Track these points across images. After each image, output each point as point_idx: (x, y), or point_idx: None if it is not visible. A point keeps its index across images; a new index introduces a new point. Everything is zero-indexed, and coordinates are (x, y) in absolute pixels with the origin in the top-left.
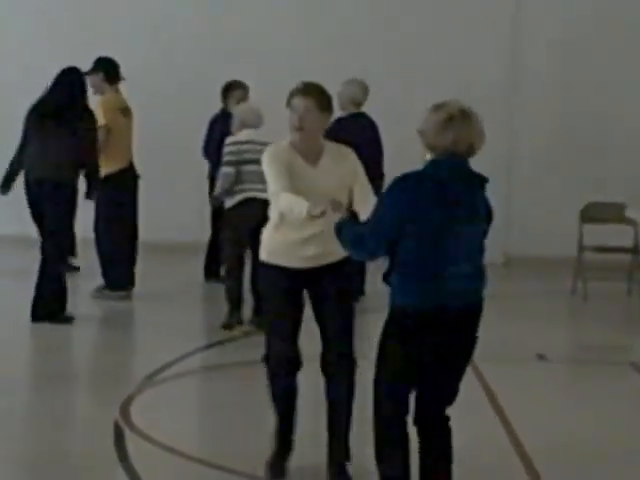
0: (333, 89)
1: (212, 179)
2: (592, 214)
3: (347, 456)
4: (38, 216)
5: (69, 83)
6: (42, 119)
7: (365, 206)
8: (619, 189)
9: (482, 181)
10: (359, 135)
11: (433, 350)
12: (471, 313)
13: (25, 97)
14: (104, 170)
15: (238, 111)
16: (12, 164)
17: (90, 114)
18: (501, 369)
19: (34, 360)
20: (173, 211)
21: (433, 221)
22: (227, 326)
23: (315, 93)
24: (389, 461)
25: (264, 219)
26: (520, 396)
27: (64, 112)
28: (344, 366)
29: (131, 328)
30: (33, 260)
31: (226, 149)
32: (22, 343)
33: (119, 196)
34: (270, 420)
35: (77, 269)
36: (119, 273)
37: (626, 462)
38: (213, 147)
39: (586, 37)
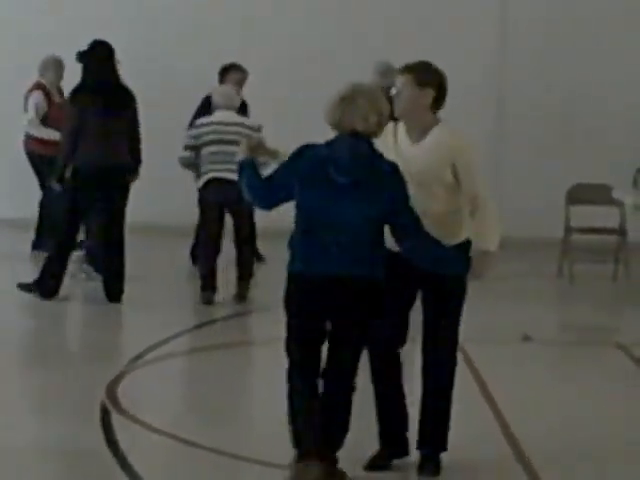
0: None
1: None
2: (579, 195)
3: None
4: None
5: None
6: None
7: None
8: (605, 171)
9: (372, 160)
10: None
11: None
12: (351, 283)
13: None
14: None
15: (211, 93)
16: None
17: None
18: (487, 350)
19: (20, 340)
20: (162, 194)
21: (316, 192)
22: (207, 302)
23: (413, 69)
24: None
25: (231, 199)
26: (506, 377)
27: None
28: None
29: (118, 309)
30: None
31: (187, 132)
32: (9, 322)
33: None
34: (254, 401)
35: None
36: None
37: (613, 442)
38: None
39: (572, 19)
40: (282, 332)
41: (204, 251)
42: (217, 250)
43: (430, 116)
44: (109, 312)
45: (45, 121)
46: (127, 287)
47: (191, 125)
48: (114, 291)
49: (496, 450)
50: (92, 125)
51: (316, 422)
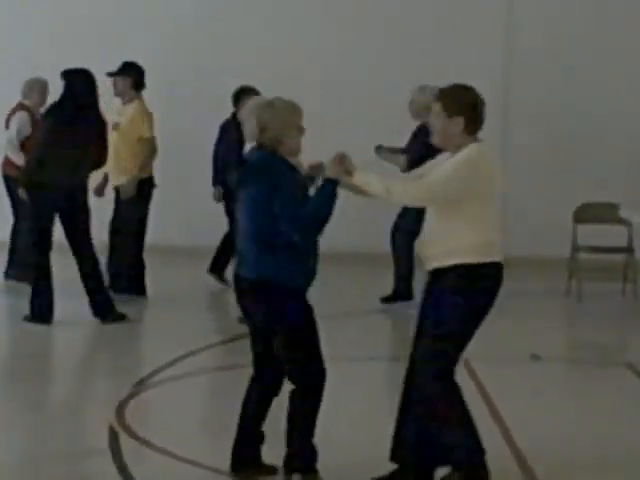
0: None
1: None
2: (586, 214)
3: None
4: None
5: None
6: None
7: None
8: (612, 190)
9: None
10: None
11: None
12: (249, 286)
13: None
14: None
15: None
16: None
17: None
18: (495, 369)
19: (28, 360)
20: (187, 215)
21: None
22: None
23: (442, 97)
24: None
25: None
26: (514, 396)
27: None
28: None
29: (131, 330)
30: None
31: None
32: (17, 342)
33: (144, 204)
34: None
35: None
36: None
37: (622, 461)
38: (223, 153)
39: (583, 37)
40: None
41: None
42: None
43: (466, 140)
44: (123, 332)
45: (27, 144)
46: (144, 307)
47: (217, 152)
48: (101, 309)
49: (505, 469)
50: (61, 145)
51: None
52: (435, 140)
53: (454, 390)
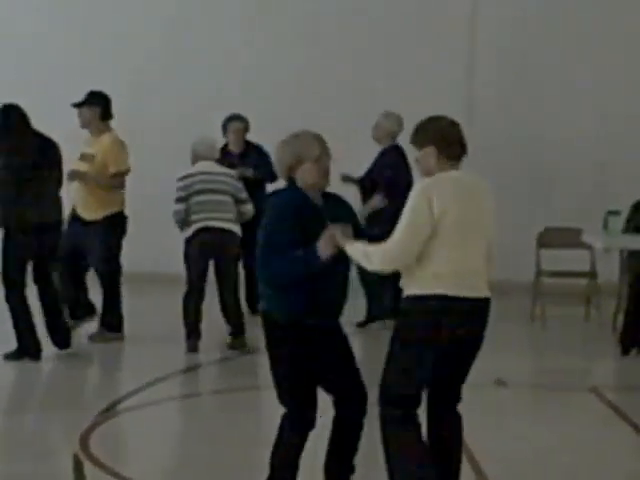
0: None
1: None
2: (549, 239)
3: None
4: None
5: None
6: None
7: None
8: (575, 214)
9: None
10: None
11: None
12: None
13: None
14: (106, 211)
15: (193, 144)
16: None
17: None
18: None
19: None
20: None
21: None
22: (193, 349)
23: (413, 133)
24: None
25: (223, 247)
26: (479, 422)
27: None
28: None
29: (98, 360)
30: None
31: (176, 185)
32: None
33: (119, 237)
34: (230, 450)
35: None
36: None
37: None
38: None
39: (538, 67)
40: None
41: (188, 300)
42: (201, 297)
43: (446, 168)
44: (90, 360)
45: None
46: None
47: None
48: (59, 339)
49: None
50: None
51: None
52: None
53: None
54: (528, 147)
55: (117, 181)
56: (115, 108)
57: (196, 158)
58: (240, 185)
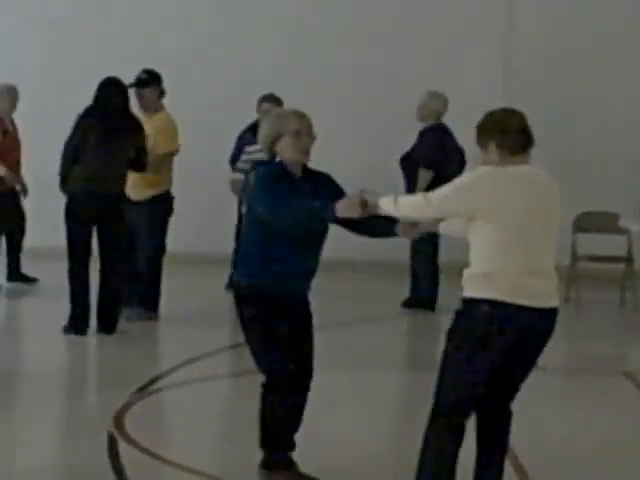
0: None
1: None
2: (585, 224)
3: None
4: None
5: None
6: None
7: None
8: (612, 199)
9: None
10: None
11: None
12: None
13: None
14: (152, 192)
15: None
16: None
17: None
18: None
19: (28, 370)
20: (198, 223)
21: None
22: None
23: (477, 131)
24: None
25: None
26: (514, 406)
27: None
28: None
29: (137, 339)
30: None
31: (241, 157)
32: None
33: (165, 217)
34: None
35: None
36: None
37: (619, 470)
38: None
39: (585, 50)
40: None
41: None
42: None
43: (512, 162)
44: (125, 340)
45: None
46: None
47: (235, 161)
48: (105, 322)
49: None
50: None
51: None
52: None
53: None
54: (564, 131)
55: (166, 161)
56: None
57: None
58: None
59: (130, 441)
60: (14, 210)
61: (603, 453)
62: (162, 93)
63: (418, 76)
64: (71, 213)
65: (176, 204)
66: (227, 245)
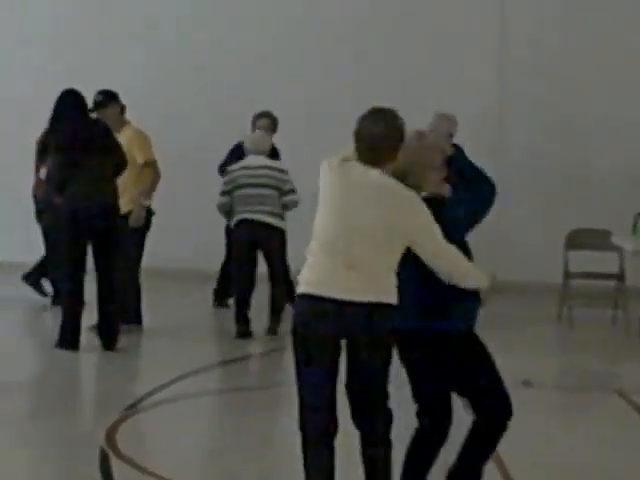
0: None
1: None
2: (578, 241)
3: None
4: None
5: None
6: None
7: None
8: (604, 216)
9: None
10: None
11: None
12: None
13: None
14: (130, 206)
15: (243, 140)
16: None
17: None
18: None
19: (23, 387)
20: (185, 238)
21: None
22: (242, 334)
23: None
24: None
25: (257, 239)
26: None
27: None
28: None
29: (126, 355)
30: None
31: (223, 179)
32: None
33: (143, 233)
34: (256, 446)
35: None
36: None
37: None
38: None
39: (573, 65)
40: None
41: (238, 286)
42: (252, 284)
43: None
44: (116, 357)
45: None
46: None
47: (223, 171)
48: (107, 339)
49: None
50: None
51: None
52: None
53: None
54: (558, 149)
55: (152, 171)
56: (154, 95)
57: (245, 153)
58: (285, 177)
59: (122, 457)
60: None
61: (595, 470)
62: (122, 109)
63: (418, 76)
64: (66, 229)
65: (161, 220)
66: (213, 261)
